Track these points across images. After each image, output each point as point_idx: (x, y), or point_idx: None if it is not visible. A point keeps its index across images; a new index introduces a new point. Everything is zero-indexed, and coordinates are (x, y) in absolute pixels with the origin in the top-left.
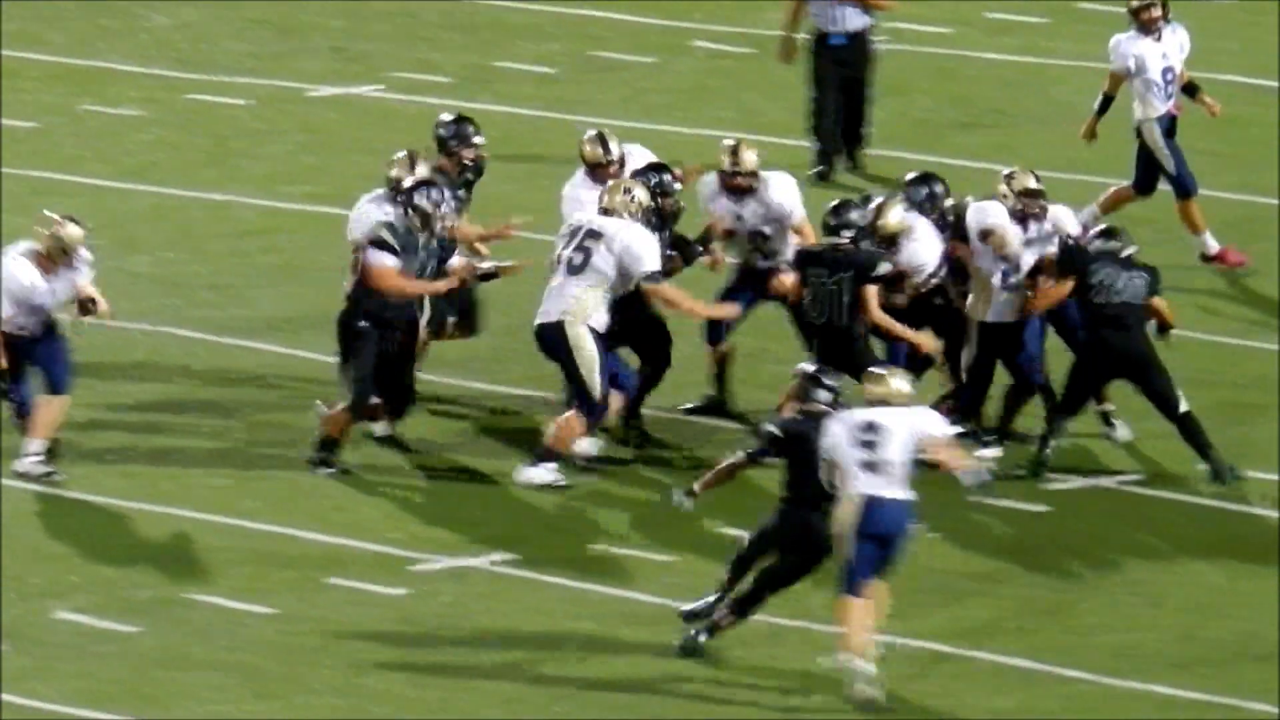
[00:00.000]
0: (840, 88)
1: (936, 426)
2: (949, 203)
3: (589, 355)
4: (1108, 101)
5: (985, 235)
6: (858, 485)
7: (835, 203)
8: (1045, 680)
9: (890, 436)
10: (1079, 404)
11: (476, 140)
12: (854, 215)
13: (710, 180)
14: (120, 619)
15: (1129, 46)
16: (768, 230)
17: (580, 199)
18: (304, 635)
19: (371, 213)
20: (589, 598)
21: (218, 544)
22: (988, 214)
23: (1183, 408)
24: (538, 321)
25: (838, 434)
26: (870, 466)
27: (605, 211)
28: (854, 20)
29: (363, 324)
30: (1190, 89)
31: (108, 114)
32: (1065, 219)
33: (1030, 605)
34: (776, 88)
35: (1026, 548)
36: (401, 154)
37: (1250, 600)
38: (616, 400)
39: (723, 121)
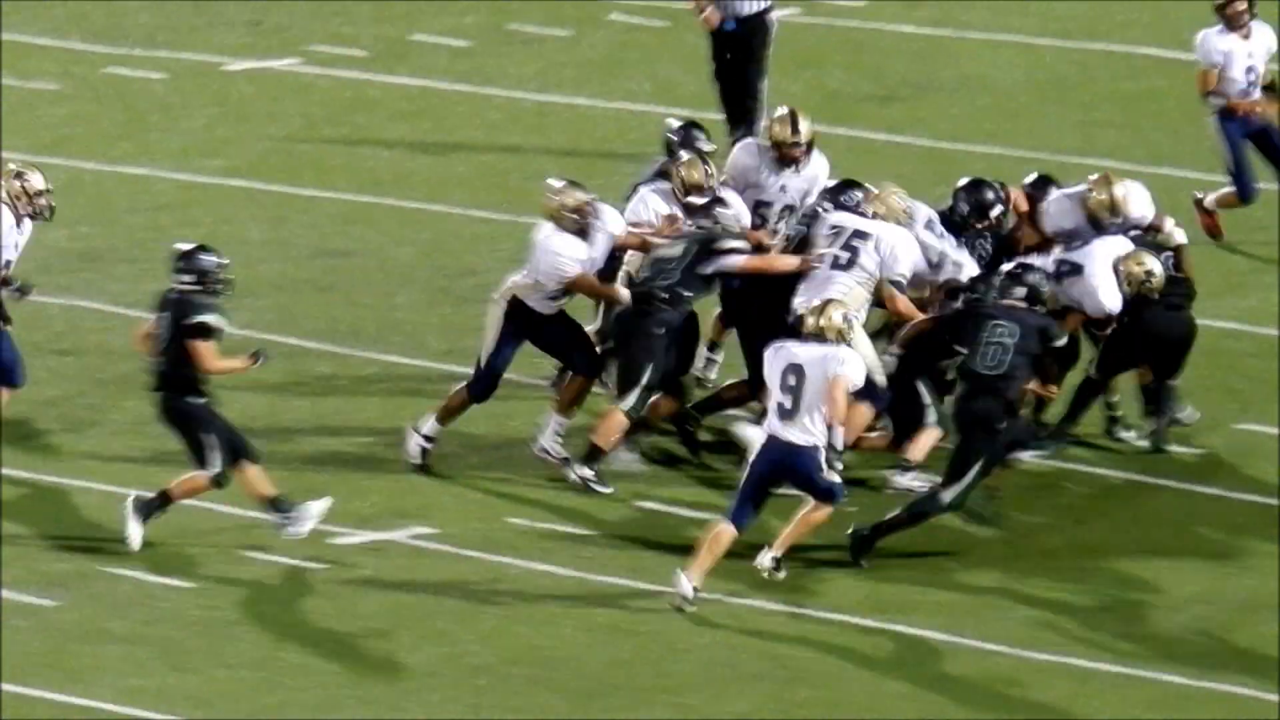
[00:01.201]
0: (731, 70)
1: (849, 372)
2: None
3: (864, 343)
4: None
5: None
6: (768, 421)
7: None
8: (963, 651)
9: (806, 378)
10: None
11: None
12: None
13: (750, 149)
14: (39, 593)
15: (1216, 42)
16: (796, 204)
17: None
18: (223, 609)
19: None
20: (507, 571)
21: None
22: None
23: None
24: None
25: (771, 363)
26: (784, 406)
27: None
28: (747, 5)
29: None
30: (1271, 88)
31: (23, 88)
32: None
33: (950, 577)
34: (692, 60)
35: (941, 522)
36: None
37: (1170, 572)
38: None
39: (638, 94)
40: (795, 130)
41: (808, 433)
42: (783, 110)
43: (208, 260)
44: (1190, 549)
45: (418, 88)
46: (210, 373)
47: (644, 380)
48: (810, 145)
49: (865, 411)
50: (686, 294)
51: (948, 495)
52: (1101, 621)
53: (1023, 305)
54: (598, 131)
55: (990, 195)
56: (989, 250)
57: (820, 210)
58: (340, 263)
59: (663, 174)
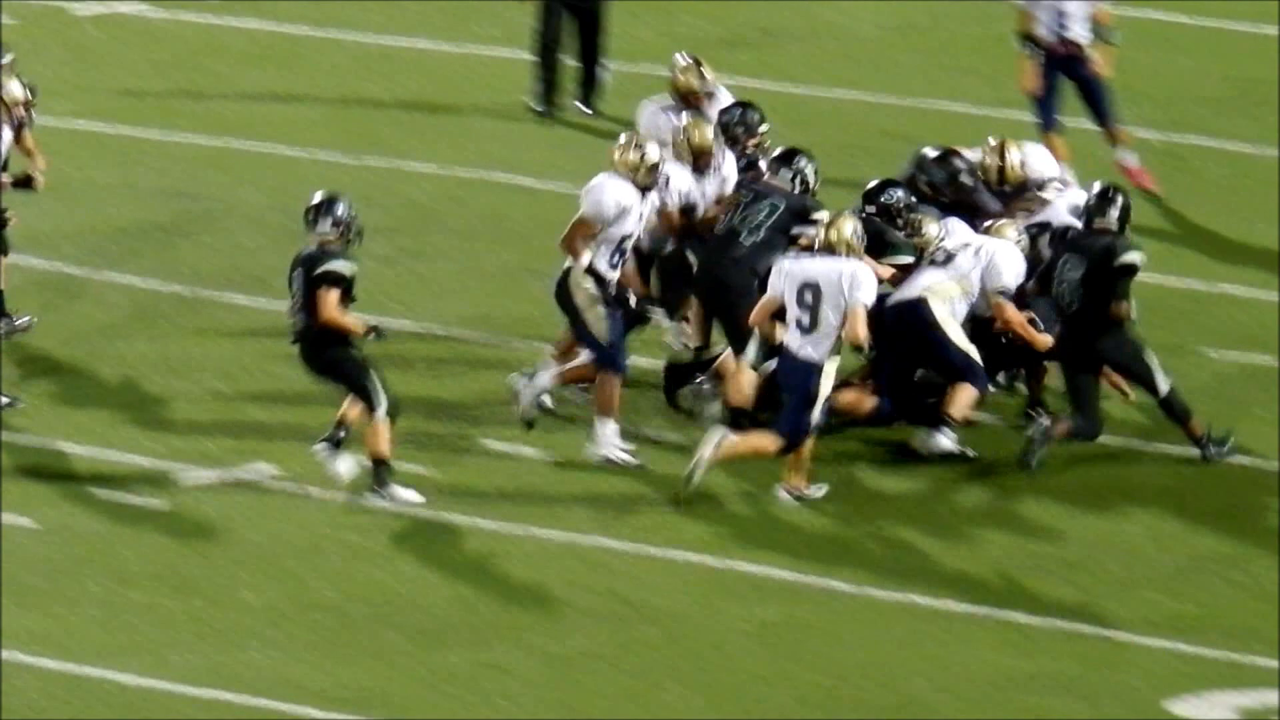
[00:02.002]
0: (571, 19)
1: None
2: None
3: (957, 332)
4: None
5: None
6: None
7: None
8: (807, 590)
9: (823, 294)
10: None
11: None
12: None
13: (656, 109)
14: None
15: None
16: None
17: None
18: (68, 548)
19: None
20: (350, 509)
21: None
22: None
23: None
24: (894, 300)
25: (783, 280)
26: (802, 322)
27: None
28: None
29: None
30: (1101, 33)
31: None
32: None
33: (794, 516)
34: None
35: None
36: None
37: (1009, 516)
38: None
39: (486, 38)
40: (702, 77)
41: (820, 349)
42: (684, 59)
43: (342, 209)
44: (1036, 487)
45: (265, 32)
46: (327, 322)
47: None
48: (714, 89)
49: (971, 391)
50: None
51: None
52: (947, 561)
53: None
54: (445, 76)
55: (961, 163)
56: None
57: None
58: (188, 206)
59: (727, 137)
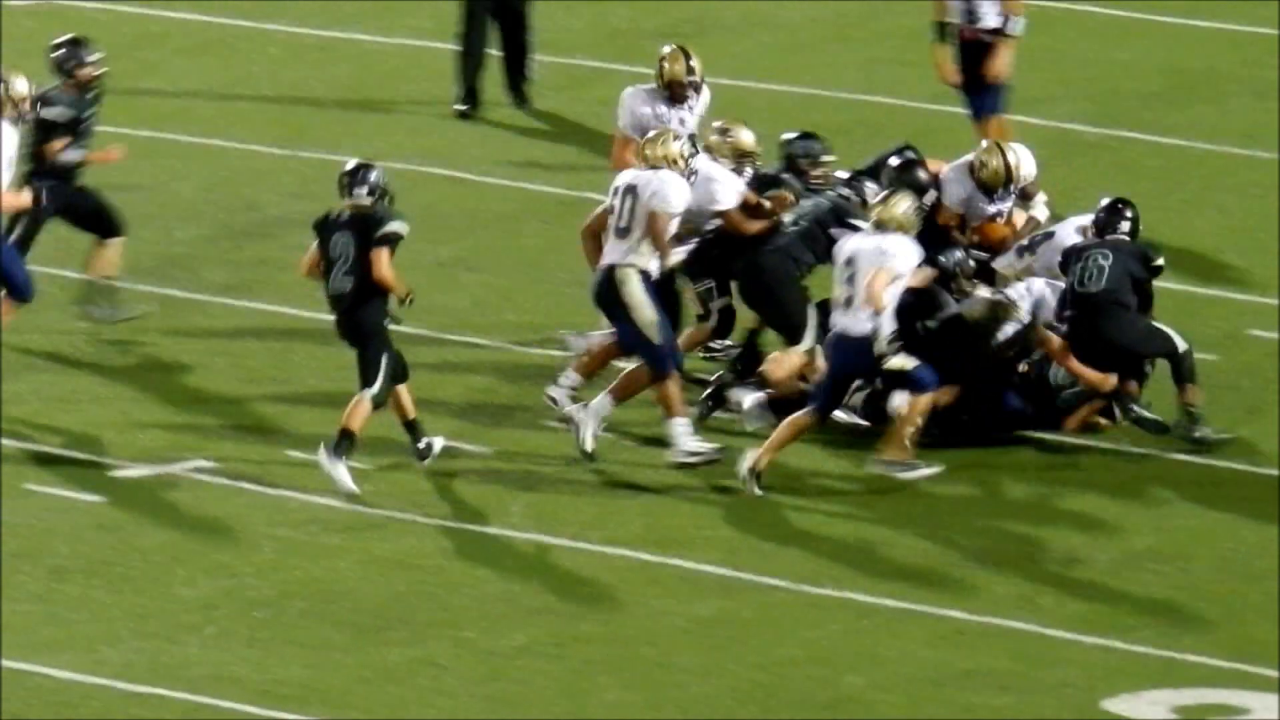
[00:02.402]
0: (495, 16)
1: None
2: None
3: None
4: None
5: None
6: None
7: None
8: (743, 586)
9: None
10: None
11: None
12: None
13: (641, 95)
14: None
15: None
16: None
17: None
18: (3, 541)
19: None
20: (287, 504)
21: None
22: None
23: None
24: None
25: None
26: (843, 298)
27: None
28: None
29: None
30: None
31: None
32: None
33: (729, 512)
34: None
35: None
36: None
37: (948, 510)
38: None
39: (420, 30)
40: (690, 69)
41: (859, 322)
42: (671, 48)
43: (376, 174)
44: (972, 485)
45: (199, 23)
46: (382, 281)
47: (810, 319)
48: (701, 80)
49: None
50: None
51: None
52: (883, 557)
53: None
54: (379, 68)
55: (924, 176)
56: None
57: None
58: (122, 197)
59: (791, 168)
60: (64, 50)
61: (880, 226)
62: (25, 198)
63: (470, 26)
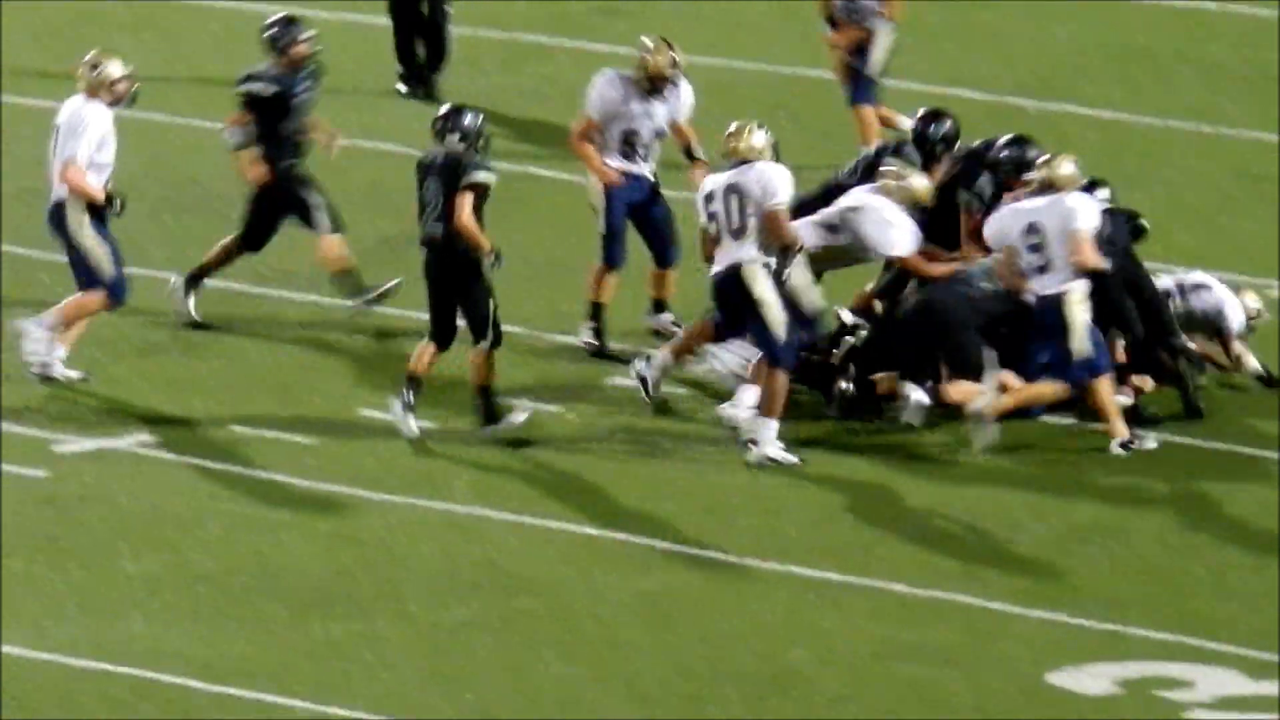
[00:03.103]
0: (411, 5)
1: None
2: None
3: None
4: None
5: None
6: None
7: None
8: (687, 561)
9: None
10: None
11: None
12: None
13: (613, 80)
14: None
15: None
16: (664, 131)
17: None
18: None
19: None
20: (231, 479)
21: None
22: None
23: None
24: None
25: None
26: (1035, 264)
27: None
28: None
29: None
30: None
31: None
32: None
33: (673, 487)
34: None
35: (666, 430)
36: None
37: (890, 486)
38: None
39: (366, 7)
40: (674, 61)
41: (1056, 283)
42: (655, 40)
43: (470, 119)
44: (915, 459)
45: (141, 1)
46: (462, 229)
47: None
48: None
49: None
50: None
51: None
52: (827, 532)
53: None
54: (323, 44)
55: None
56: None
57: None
58: None
59: (870, 170)
60: (277, 28)
61: (1049, 187)
62: (95, 187)
63: (397, 4)
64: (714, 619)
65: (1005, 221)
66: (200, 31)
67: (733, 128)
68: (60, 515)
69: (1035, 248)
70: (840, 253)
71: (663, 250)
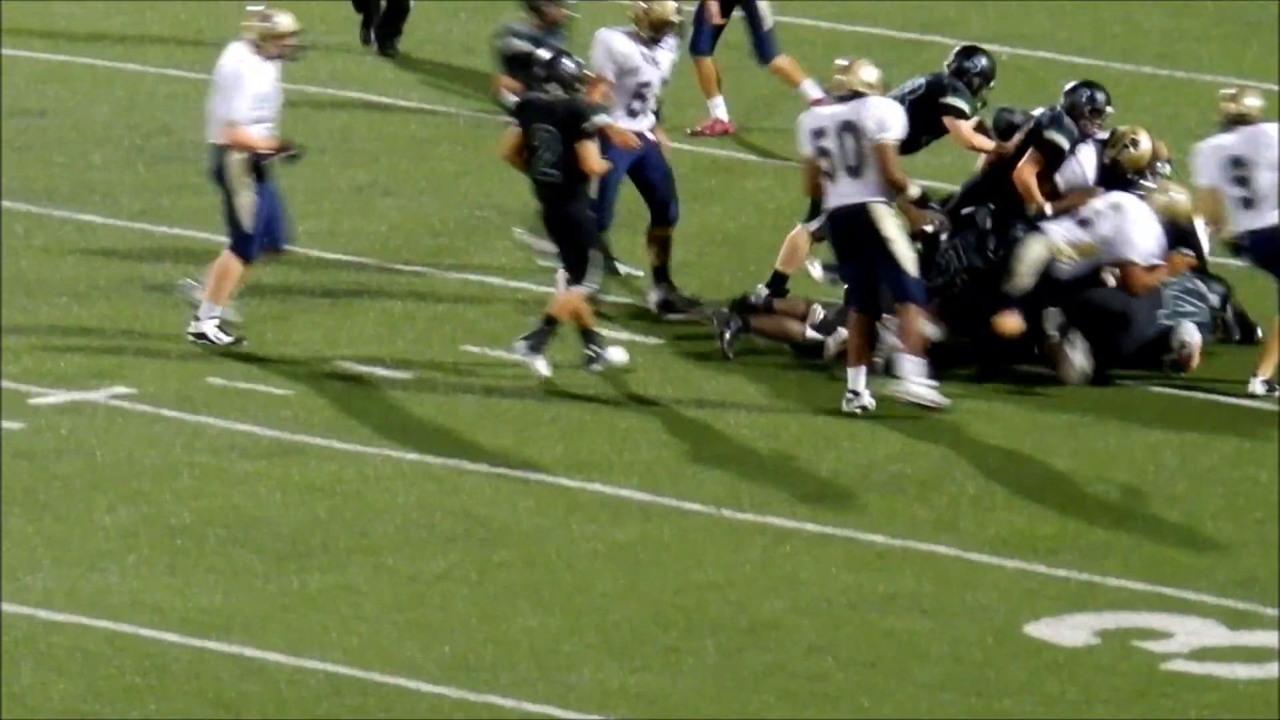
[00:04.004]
0: None
1: None
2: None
3: None
4: None
5: None
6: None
7: None
8: (662, 511)
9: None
10: None
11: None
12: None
13: (621, 37)
14: None
15: None
16: (668, 78)
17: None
18: None
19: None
20: (206, 430)
21: None
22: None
23: None
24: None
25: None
26: (1244, 198)
27: None
28: None
29: None
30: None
31: None
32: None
33: (646, 436)
34: None
35: (640, 380)
36: None
37: (867, 433)
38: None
39: None
40: (678, 8)
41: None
42: None
43: (570, 64)
44: (890, 407)
45: None
46: (595, 174)
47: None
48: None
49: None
50: None
51: None
52: (802, 481)
53: None
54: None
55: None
56: None
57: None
58: (34, 122)
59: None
60: None
61: (1243, 119)
62: (259, 139)
63: None
64: (689, 569)
65: (1207, 159)
66: None
67: (844, 61)
68: (36, 468)
69: (1243, 181)
70: (1088, 250)
71: (664, 207)
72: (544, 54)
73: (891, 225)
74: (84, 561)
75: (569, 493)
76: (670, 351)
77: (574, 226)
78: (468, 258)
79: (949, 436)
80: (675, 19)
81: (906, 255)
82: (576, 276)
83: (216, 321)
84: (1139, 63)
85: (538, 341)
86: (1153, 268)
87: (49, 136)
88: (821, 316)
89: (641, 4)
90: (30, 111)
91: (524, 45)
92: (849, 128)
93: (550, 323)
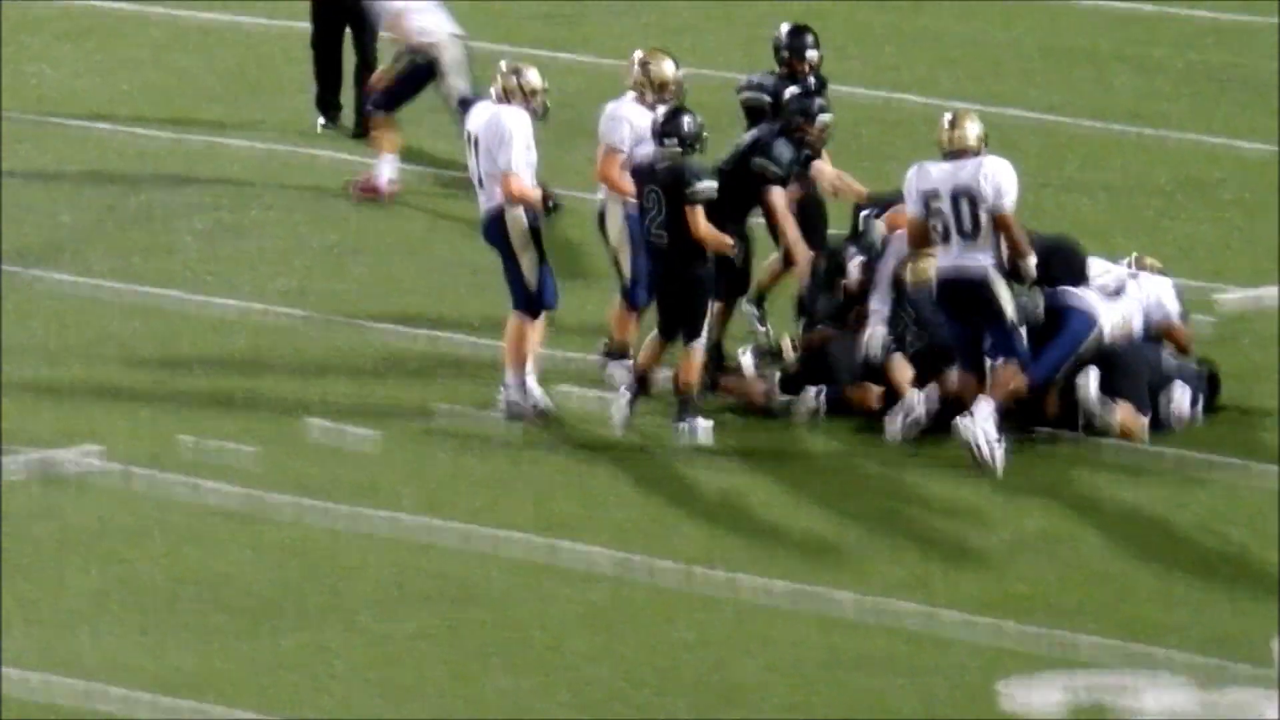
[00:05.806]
0: (343, 25)
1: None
2: None
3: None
4: None
5: None
6: None
7: None
8: (634, 571)
9: None
10: None
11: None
12: None
13: (633, 105)
14: None
15: None
16: None
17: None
18: None
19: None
20: (177, 491)
21: None
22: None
23: None
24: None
25: None
26: None
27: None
28: None
29: None
30: None
31: None
32: None
33: (618, 497)
34: None
35: (613, 441)
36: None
37: (839, 493)
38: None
39: (302, 13)
40: (677, 64)
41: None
42: (651, 50)
43: (689, 123)
44: (859, 468)
45: (80, 6)
46: (702, 241)
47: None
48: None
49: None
50: None
51: None
52: (772, 541)
53: None
54: (263, 50)
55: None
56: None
57: None
58: (5, 183)
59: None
60: (788, 37)
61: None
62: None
63: (319, 31)
64: (663, 629)
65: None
66: (141, 38)
67: (950, 116)
68: (6, 529)
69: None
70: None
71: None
72: (665, 110)
73: (1005, 294)
74: (56, 621)
75: (542, 553)
76: (643, 409)
77: (688, 287)
78: (439, 317)
79: (920, 494)
80: (678, 76)
81: (1014, 323)
82: (692, 334)
83: (538, 395)
84: (1109, 120)
85: (680, 412)
86: None
87: (19, 197)
88: (778, 378)
89: (638, 68)
90: (2, 172)
91: (754, 98)
92: (964, 190)
93: (682, 392)
